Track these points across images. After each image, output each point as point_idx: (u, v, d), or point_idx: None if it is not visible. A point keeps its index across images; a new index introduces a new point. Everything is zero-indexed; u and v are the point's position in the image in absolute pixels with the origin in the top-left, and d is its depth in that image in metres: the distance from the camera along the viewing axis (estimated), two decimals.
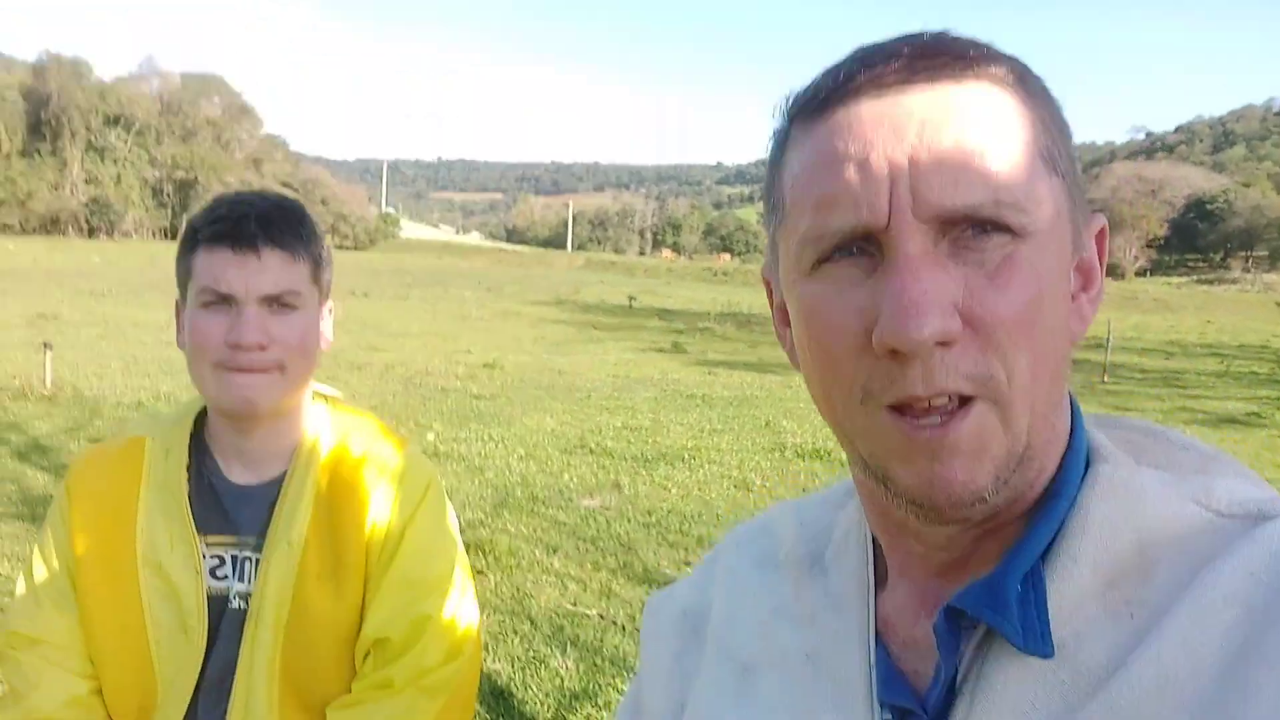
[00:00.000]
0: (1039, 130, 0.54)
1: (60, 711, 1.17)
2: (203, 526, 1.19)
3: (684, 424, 8.97)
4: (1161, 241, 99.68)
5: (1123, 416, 0.67)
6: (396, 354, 13.32)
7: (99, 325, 15.24)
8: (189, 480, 1.20)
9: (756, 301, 31.15)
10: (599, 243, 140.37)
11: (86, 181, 76.24)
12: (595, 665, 3.76)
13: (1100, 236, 0.59)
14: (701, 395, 10.82)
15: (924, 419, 0.52)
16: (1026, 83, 0.54)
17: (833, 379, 0.55)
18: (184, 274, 1.18)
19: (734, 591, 0.71)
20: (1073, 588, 0.53)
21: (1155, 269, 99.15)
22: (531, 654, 3.84)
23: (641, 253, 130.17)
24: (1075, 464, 0.57)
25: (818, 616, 0.64)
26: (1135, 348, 19.90)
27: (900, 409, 0.52)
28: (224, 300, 1.12)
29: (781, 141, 0.59)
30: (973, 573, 0.57)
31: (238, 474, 1.23)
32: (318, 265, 1.20)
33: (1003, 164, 0.51)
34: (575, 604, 4.38)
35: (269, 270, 1.12)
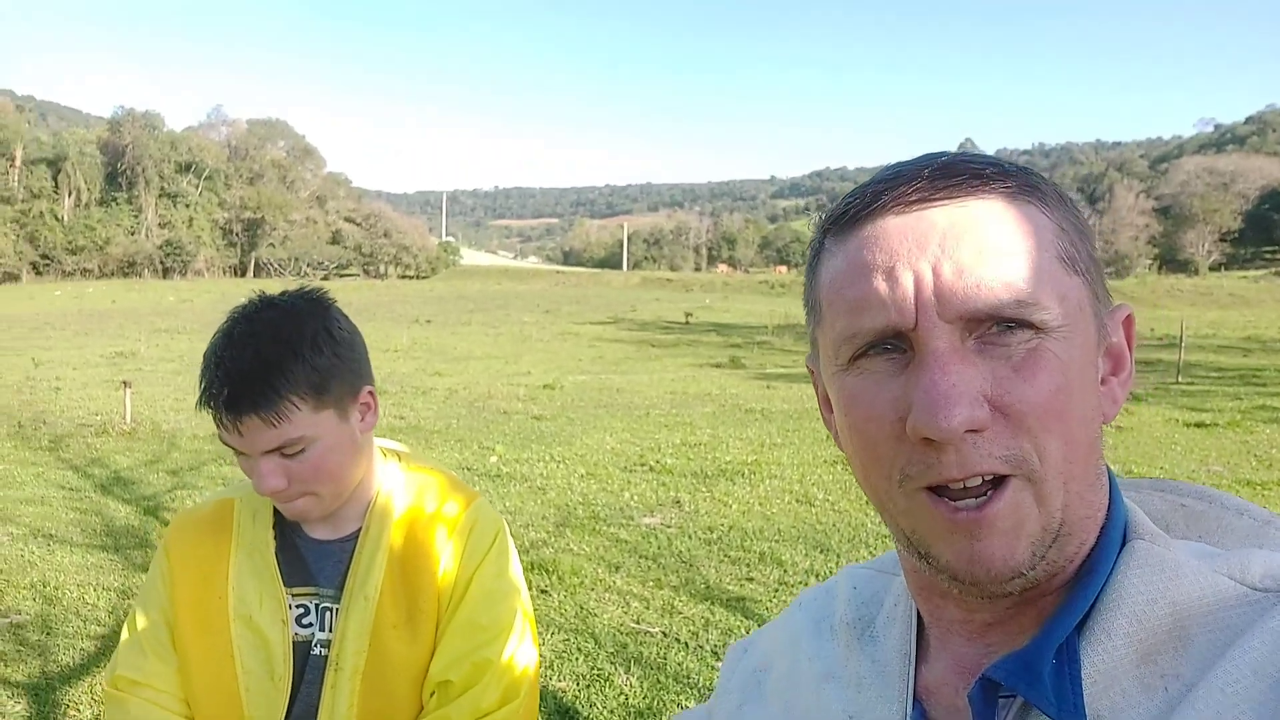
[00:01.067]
0: (1055, 234, 0.57)
1: None
2: (288, 580, 1.28)
3: (743, 439, 8.94)
4: (1236, 235, 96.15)
5: (1179, 481, 0.69)
6: (460, 378, 13.55)
7: (174, 361, 15.80)
8: (275, 539, 1.30)
9: None
10: (654, 261, 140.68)
11: (160, 225, 79.35)
12: (659, 683, 3.75)
13: (1128, 324, 0.63)
14: (760, 409, 10.77)
15: (961, 501, 0.55)
16: (1041, 192, 0.59)
17: (873, 463, 0.59)
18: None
19: (793, 653, 0.75)
20: (1107, 661, 0.55)
21: (1230, 263, 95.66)
22: (595, 672, 3.85)
23: (697, 269, 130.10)
24: (1112, 540, 0.60)
25: (863, 682, 0.67)
26: (1211, 345, 19.23)
27: (937, 490, 0.56)
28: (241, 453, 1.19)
29: (817, 252, 0.64)
30: (1012, 641, 0.60)
31: (318, 531, 1.31)
32: (318, 395, 1.17)
33: (1021, 267, 0.55)
34: (638, 622, 4.39)
35: (254, 434, 1.14)
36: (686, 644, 4.12)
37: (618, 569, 5.13)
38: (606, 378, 13.95)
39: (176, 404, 10.96)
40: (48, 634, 4.22)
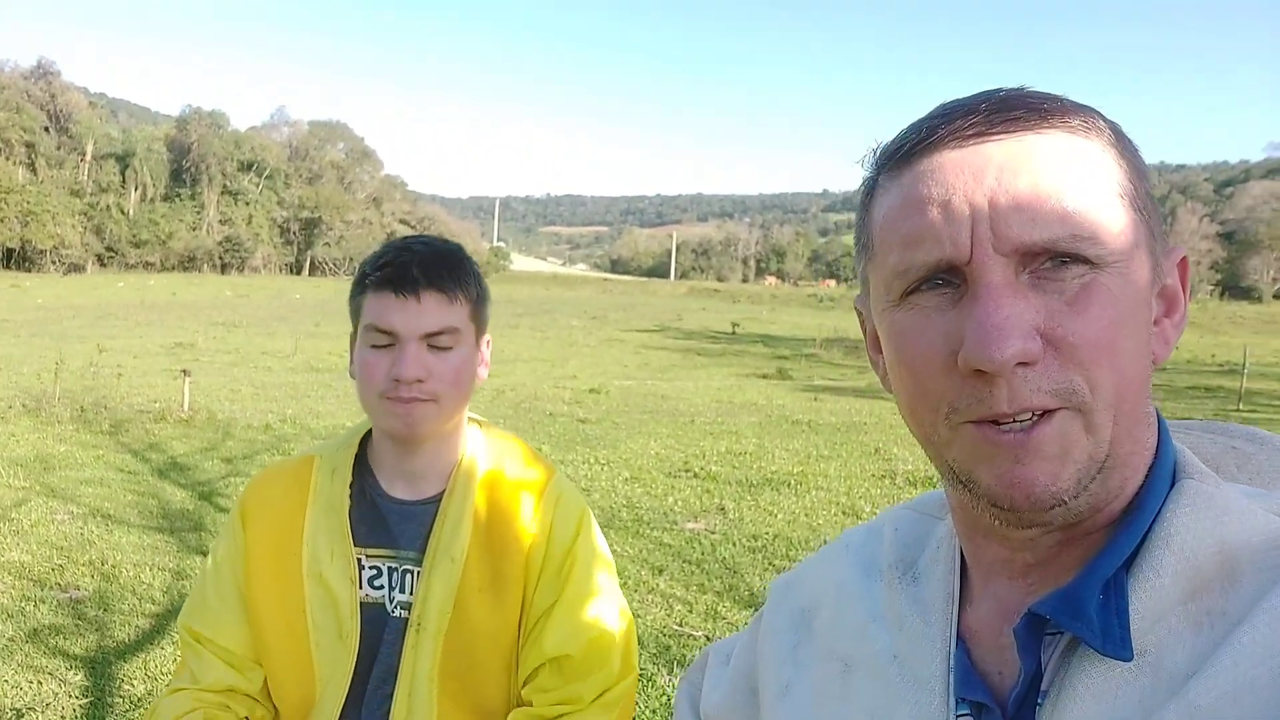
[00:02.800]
0: (1114, 171, 0.57)
1: (222, 696, 1.28)
2: (363, 540, 1.28)
3: (789, 450, 8.87)
4: None
5: (1229, 423, 0.68)
6: (507, 379, 13.66)
7: (231, 354, 16.18)
8: (352, 497, 1.30)
9: None
10: (702, 271, 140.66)
11: (221, 222, 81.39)
12: None
13: (1182, 266, 0.62)
14: (807, 421, 10.69)
15: (1008, 426, 0.54)
16: (1101, 130, 0.58)
17: (920, 397, 0.59)
18: (355, 313, 1.29)
19: (841, 595, 0.75)
20: (1155, 598, 0.54)
21: None
22: (639, 672, 3.84)
23: (745, 280, 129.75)
24: (1160, 479, 0.59)
25: (906, 622, 0.67)
26: (1274, 373, 18.67)
27: (983, 423, 0.55)
28: (388, 337, 1.21)
29: (870, 189, 0.63)
30: (1055, 580, 0.59)
31: (400, 491, 1.31)
32: (476, 305, 1.28)
33: (1078, 202, 0.54)
34: (681, 624, 4.37)
35: (428, 312, 1.21)
36: None
37: (661, 572, 5.12)
38: (652, 384, 13.97)
39: (232, 394, 11.22)
40: (105, 610, 4.33)
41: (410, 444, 1.27)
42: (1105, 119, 0.58)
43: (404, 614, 1.26)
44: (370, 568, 1.28)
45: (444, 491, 1.30)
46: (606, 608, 1.29)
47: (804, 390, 13.84)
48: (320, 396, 11.36)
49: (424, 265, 1.22)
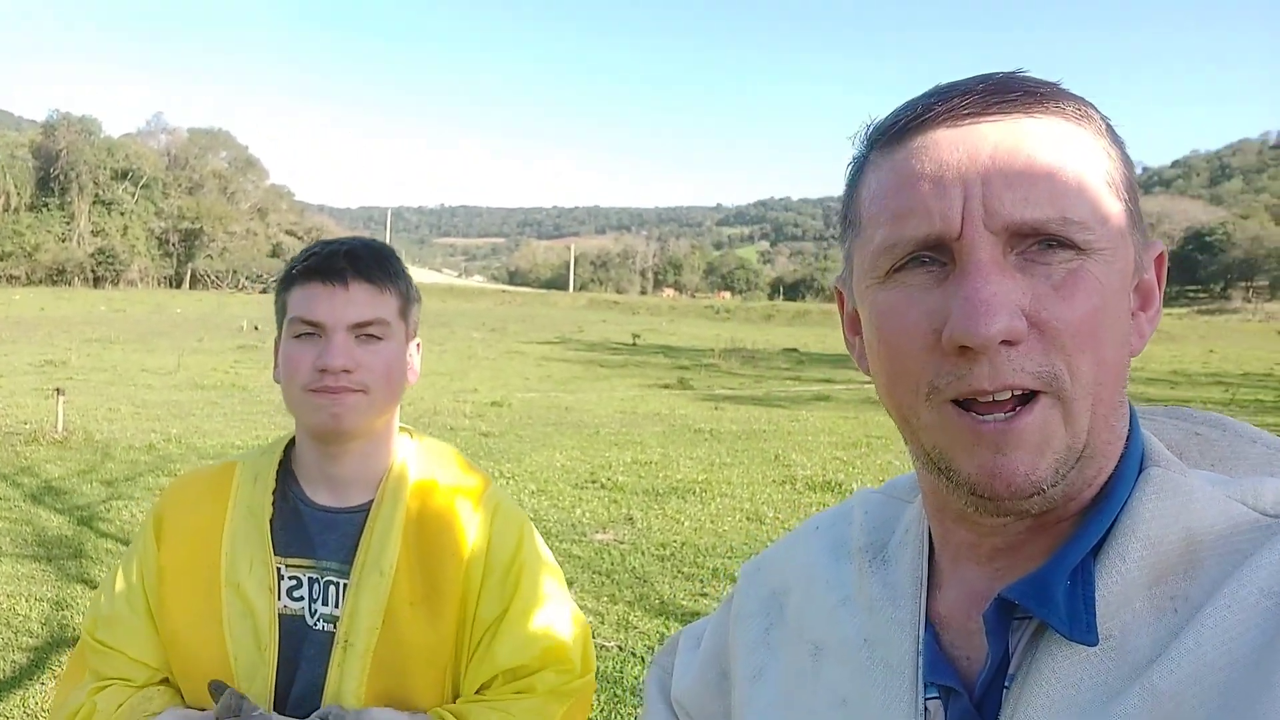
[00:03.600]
0: (1105, 160, 0.58)
1: (116, 713, 1.21)
2: (283, 549, 1.23)
3: (693, 458, 8.96)
4: None
5: (1194, 409, 0.70)
6: (405, 394, 13.32)
7: (107, 371, 15.31)
8: (274, 504, 1.25)
9: (760, 338, 31.25)
10: (601, 283, 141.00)
11: (93, 233, 77.03)
12: (616, 696, 3.73)
13: (1159, 262, 0.63)
14: (709, 430, 10.82)
15: (988, 414, 0.54)
16: (1092, 118, 0.59)
17: (900, 375, 0.59)
18: (280, 310, 1.25)
19: (810, 579, 0.75)
20: (1120, 583, 0.56)
21: None
22: None
23: (643, 292, 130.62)
24: (1130, 467, 0.60)
25: (876, 606, 0.68)
26: (1140, 378, 19.89)
27: (964, 404, 0.55)
28: (314, 329, 1.18)
29: (860, 166, 0.63)
30: (1022, 566, 0.60)
31: (324, 497, 1.26)
32: (405, 301, 1.26)
33: (1070, 186, 0.55)
34: (594, 636, 4.36)
35: (355, 301, 1.18)
36: (642, 658, 4.10)
37: (571, 584, 5.08)
38: (555, 396, 13.89)
39: (111, 413, 10.62)
40: None
41: (337, 443, 1.22)
42: (1097, 110, 0.60)
43: (327, 627, 1.21)
44: (290, 578, 1.23)
45: (372, 500, 1.25)
46: (558, 614, 1.27)
47: (705, 399, 14.01)
48: (206, 415, 10.87)
49: (352, 256, 1.20)
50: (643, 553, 5.72)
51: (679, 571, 5.37)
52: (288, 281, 1.23)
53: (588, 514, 6.66)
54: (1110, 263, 0.56)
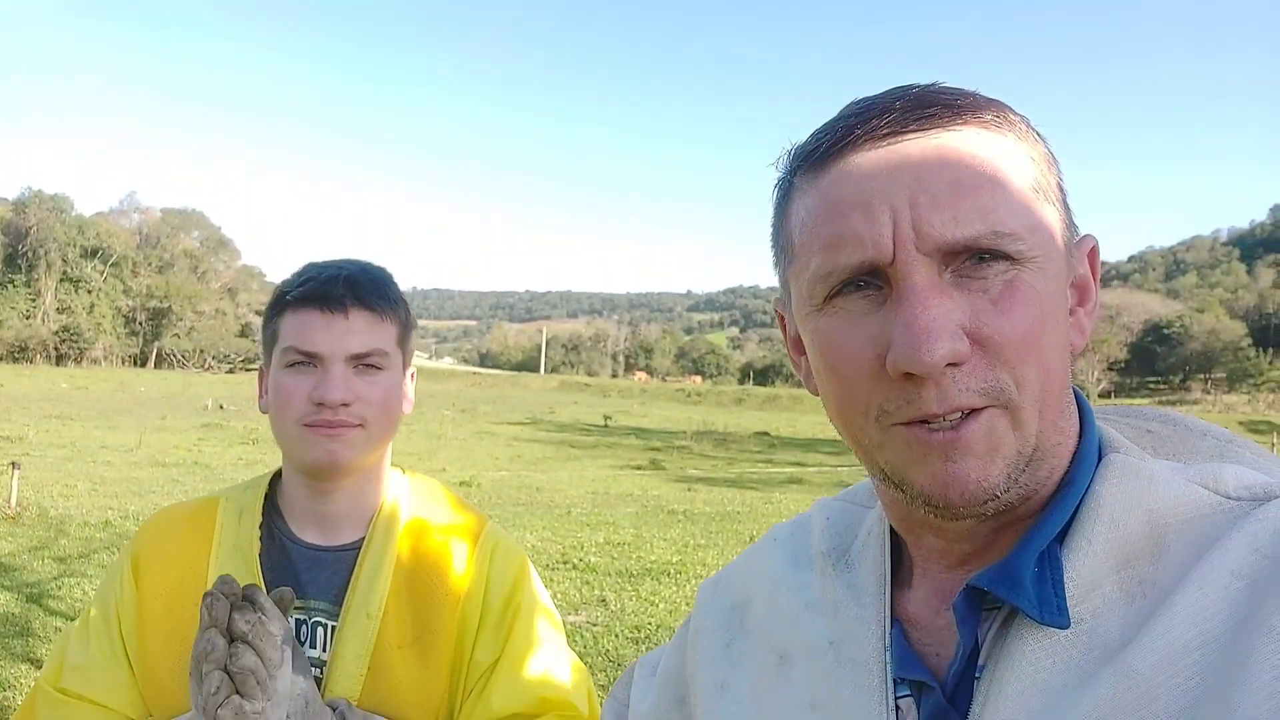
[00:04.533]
0: (1028, 165, 0.57)
1: None
2: (270, 590, 1.15)
3: (667, 539, 8.83)
4: (1122, 365, 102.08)
5: (1143, 407, 0.70)
6: None
7: (65, 448, 14.92)
8: (260, 541, 1.18)
9: (732, 421, 31.29)
10: (572, 366, 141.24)
11: (59, 310, 76.25)
12: None
13: (1092, 255, 0.63)
14: (683, 511, 10.71)
15: (937, 424, 0.55)
16: (1013, 123, 0.59)
17: (849, 400, 0.59)
18: (270, 338, 1.18)
19: (773, 587, 0.74)
20: (1088, 567, 0.56)
21: (1118, 391, 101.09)
22: None
23: (614, 375, 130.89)
24: (1087, 457, 0.60)
25: (840, 608, 0.67)
26: None
27: (913, 424, 0.56)
28: (310, 360, 1.12)
29: (786, 191, 0.63)
30: (992, 563, 0.60)
31: (312, 535, 1.19)
32: (404, 328, 1.20)
33: (997, 198, 0.55)
34: None
35: (355, 331, 1.12)
36: None
37: None
38: (526, 475, 13.72)
39: (67, 490, 10.30)
40: None
41: (330, 480, 1.16)
42: (1015, 112, 0.60)
43: (315, 672, 1.13)
44: None
45: (363, 539, 1.18)
46: (556, 660, 1.20)
47: (678, 481, 13.91)
48: (167, 492, 10.57)
49: (351, 283, 1.14)
50: (616, 635, 5.57)
51: None
52: (279, 306, 1.16)
53: (559, 595, 6.49)
54: (1044, 268, 0.56)
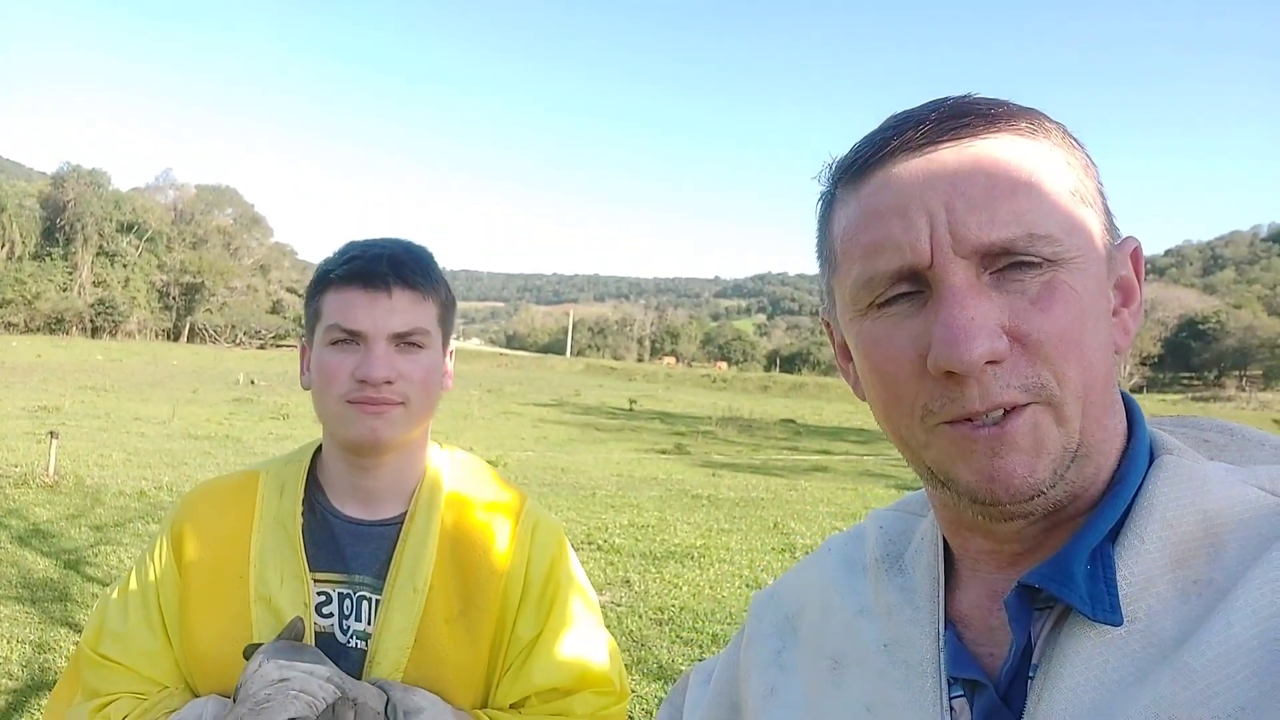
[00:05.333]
0: (1064, 170, 0.58)
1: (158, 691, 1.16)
2: (312, 563, 1.18)
3: (691, 523, 8.86)
4: (1156, 360, 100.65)
5: (1197, 417, 0.70)
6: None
7: (101, 418, 15.21)
8: (302, 515, 1.19)
9: (757, 408, 31.22)
10: (598, 349, 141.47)
11: (95, 284, 77.43)
12: None
13: (1135, 256, 0.63)
14: (707, 495, 10.72)
15: (981, 421, 0.55)
16: (1049, 130, 0.60)
17: (894, 401, 0.60)
18: (312, 315, 1.19)
19: (826, 595, 0.75)
20: (1142, 565, 0.56)
21: (1150, 386, 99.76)
22: None
23: (640, 359, 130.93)
24: (1138, 458, 0.61)
25: (894, 611, 0.68)
26: None
27: (958, 422, 0.56)
28: (353, 337, 1.13)
29: (829, 203, 0.65)
30: (1041, 562, 0.60)
31: (353, 510, 1.20)
32: (444, 307, 1.21)
33: (1032, 202, 0.56)
34: None
35: (399, 310, 1.13)
36: None
37: None
38: (551, 457, 13.80)
39: (102, 459, 10.51)
40: None
41: (372, 456, 1.17)
42: (1050, 119, 0.60)
43: (359, 644, 1.16)
44: (318, 594, 1.17)
45: (405, 514, 1.20)
46: (594, 635, 1.22)
47: (702, 466, 13.92)
48: (199, 464, 10.75)
49: (394, 261, 1.15)
50: (640, 616, 5.61)
51: (677, 636, 5.26)
52: (322, 284, 1.17)
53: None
54: (1083, 269, 0.57)
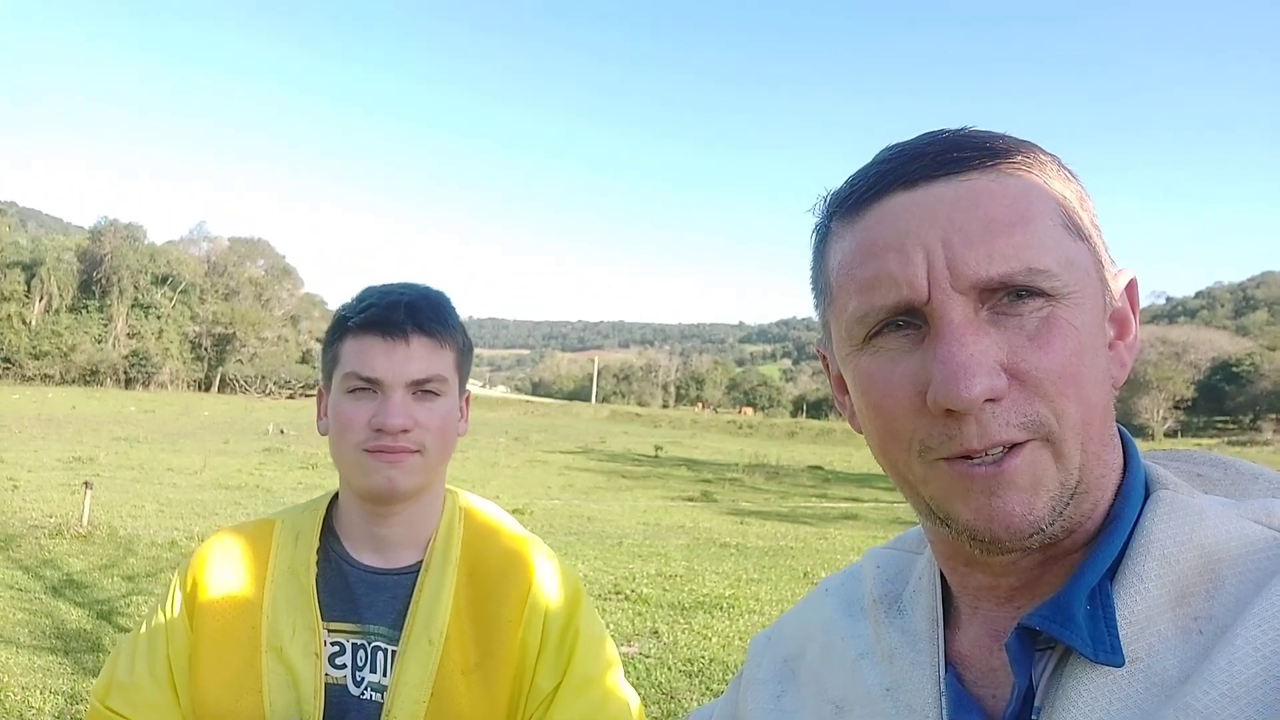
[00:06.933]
0: (1059, 202, 0.59)
1: None
2: (326, 613, 1.17)
3: (719, 572, 8.77)
4: (1189, 403, 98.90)
5: (1190, 450, 0.70)
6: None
7: (134, 469, 15.38)
8: (316, 565, 1.19)
9: (784, 454, 30.98)
10: (623, 396, 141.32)
11: (129, 335, 78.77)
12: None
13: (1130, 289, 0.63)
14: (735, 544, 10.62)
15: (979, 459, 0.55)
16: (1044, 164, 0.60)
17: (891, 437, 0.60)
18: (330, 361, 1.19)
19: (826, 638, 0.74)
20: (1142, 604, 0.55)
21: (1184, 430, 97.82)
22: None
23: (665, 406, 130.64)
24: (1134, 492, 0.60)
25: (895, 654, 0.67)
26: None
27: (956, 459, 0.56)
28: (370, 385, 1.13)
29: (824, 235, 0.65)
30: (1041, 598, 0.60)
31: (369, 558, 1.20)
32: (461, 354, 1.22)
33: (1030, 236, 0.56)
34: None
35: (416, 357, 1.14)
36: None
37: None
38: (578, 505, 13.75)
39: (135, 510, 10.61)
40: None
41: (388, 504, 1.17)
42: (1045, 152, 0.61)
43: (374, 696, 1.14)
44: (332, 644, 1.16)
45: (420, 562, 1.19)
46: (614, 685, 1.21)
47: (730, 514, 13.81)
48: (230, 514, 10.83)
49: (412, 309, 1.16)
50: (669, 667, 5.54)
51: (707, 689, 5.18)
52: (340, 331, 1.18)
53: (612, 626, 6.48)
54: (1080, 303, 0.57)
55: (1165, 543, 0.56)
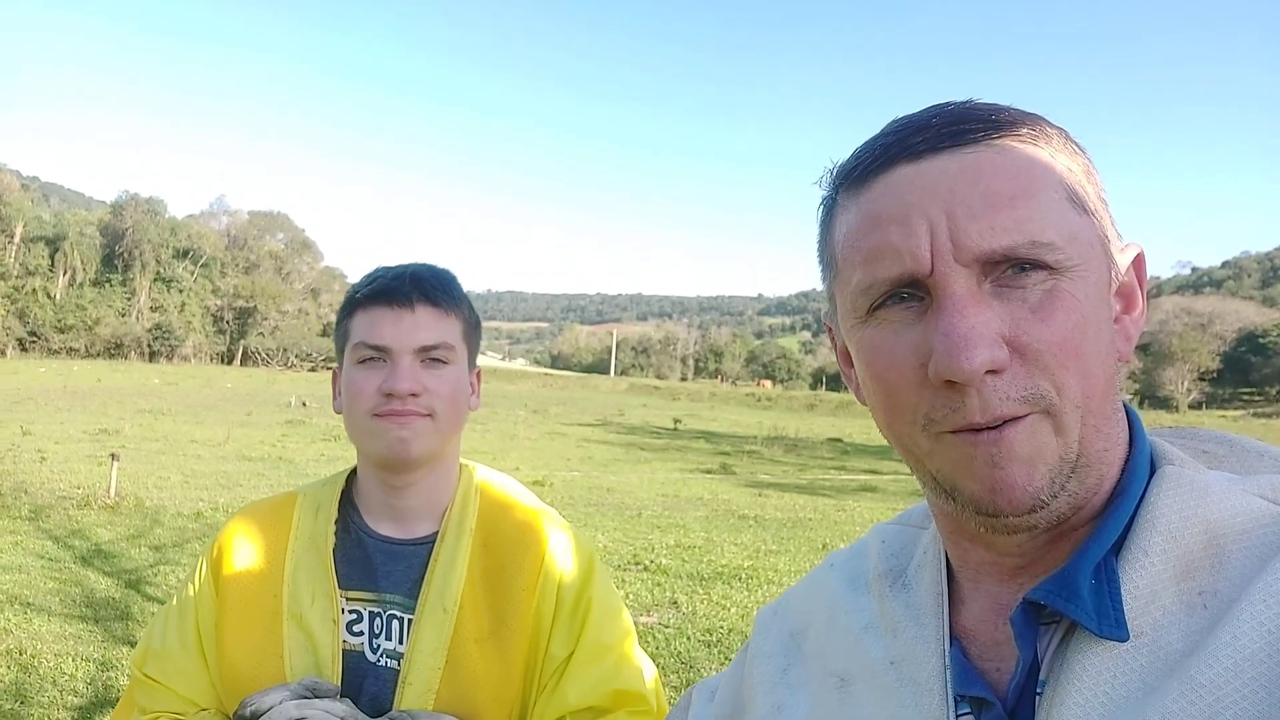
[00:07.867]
0: (1065, 176, 0.58)
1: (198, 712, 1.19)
2: (344, 582, 1.20)
3: (738, 544, 8.81)
4: (1214, 375, 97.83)
5: (1196, 428, 0.70)
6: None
7: (159, 441, 15.59)
8: (336, 535, 1.22)
9: (803, 427, 30.97)
10: (642, 369, 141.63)
11: (152, 309, 79.56)
12: None
13: (1138, 263, 0.63)
14: (754, 516, 10.66)
15: (982, 430, 0.55)
16: (1050, 136, 0.59)
17: (895, 409, 0.60)
18: (341, 338, 1.23)
19: (831, 611, 0.75)
20: (1147, 578, 0.55)
21: (1209, 402, 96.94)
22: None
23: (683, 378, 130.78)
24: (1139, 468, 0.60)
25: (900, 628, 0.67)
26: None
27: (960, 432, 0.56)
28: (379, 354, 1.16)
29: (830, 208, 0.65)
30: (1045, 574, 0.60)
31: (387, 529, 1.23)
32: (469, 326, 1.25)
33: (1034, 209, 0.55)
34: None
35: (422, 325, 1.17)
36: None
37: None
38: (597, 476, 13.82)
39: (160, 481, 10.77)
40: (22, 703, 4.03)
41: (403, 472, 1.20)
42: (1051, 124, 0.60)
43: (390, 663, 1.17)
44: (350, 612, 1.19)
45: (436, 533, 1.22)
46: (628, 655, 1.22)
47: (748, 486, 13.83)
48: (253, 486, 10.97)
49: (416, 279, 1.19)
50: (688, 638, 5.59)
51: (726, 658, 5.22)
52: (350, 307, 1.22)
53: (631, 596, 6.54)
54: (1084, 277, 0.56)
55: (1170, 518, 0.57)
